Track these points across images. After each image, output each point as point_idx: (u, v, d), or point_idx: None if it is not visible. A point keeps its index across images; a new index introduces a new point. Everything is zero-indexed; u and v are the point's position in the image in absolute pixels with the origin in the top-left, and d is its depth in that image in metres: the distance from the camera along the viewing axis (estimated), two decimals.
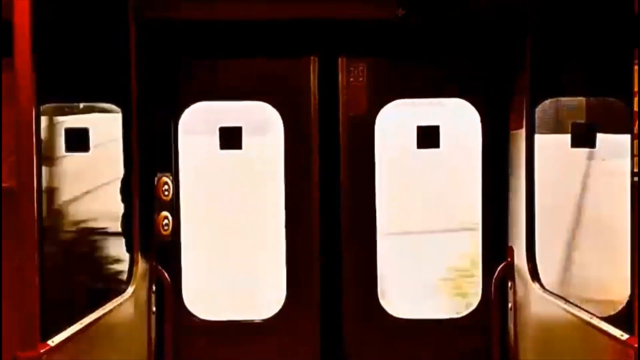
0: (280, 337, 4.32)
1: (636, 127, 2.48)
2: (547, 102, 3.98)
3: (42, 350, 2.50)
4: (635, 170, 2.49)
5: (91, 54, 3.51)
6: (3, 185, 2.70)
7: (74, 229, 4.17)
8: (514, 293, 4.17)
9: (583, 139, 3.58)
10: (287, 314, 4.35)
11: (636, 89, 2.46)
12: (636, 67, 2.44)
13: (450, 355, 4.34)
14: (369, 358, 4.33)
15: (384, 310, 4.39)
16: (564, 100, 4.05)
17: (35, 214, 2.46)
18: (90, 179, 4.25)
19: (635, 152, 2.49)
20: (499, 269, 4.19)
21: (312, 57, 4.28)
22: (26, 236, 2.38)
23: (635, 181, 2.49)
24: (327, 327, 4.34)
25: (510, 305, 4.22)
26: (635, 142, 2.49)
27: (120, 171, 3.94)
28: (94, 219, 4.25)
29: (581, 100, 3.88)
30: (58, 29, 3.04)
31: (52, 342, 2.65)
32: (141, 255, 3.98)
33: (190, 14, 3.91)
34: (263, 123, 4.43)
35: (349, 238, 4.33)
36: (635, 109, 2.49)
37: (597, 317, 3.02)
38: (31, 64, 2.39)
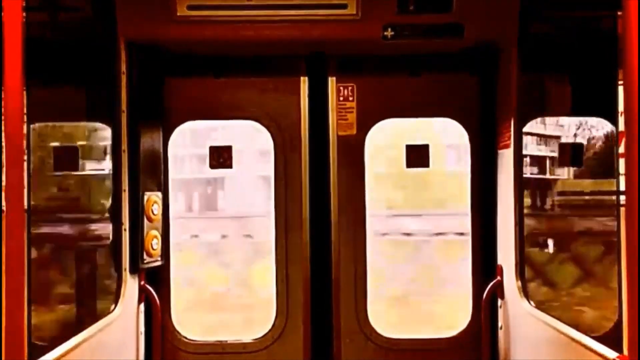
0: (270, 357, 4.29)
1: (621, 147, 2.52)
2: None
3: None
4: (622, 189, 2.52)
5: (81, 74, 3.52)
6: None
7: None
8: (504, 312, 4.17)
9: (569, 158, 3.63)
10: (277, 334, 4.32)
11: (621, 108, 2.50)
12: (620, 87, 2.48)
13: None
14: None
15: (374, 329, 4.37)
16: None
17: (24, 236, 2.43)
18: None
19: (622, 170, 2.52)
20: (488, 287, 4.20)
21: (302, 77, 4.31)
22: (14, 258, 2.35)
23: (622, 200, 2.51)
24: (316, 346, 4.31)
25: (500, 323, 4.22)
26: (621, 161, 2.52)
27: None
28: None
29: None
30: (49, 49, 3.05)
31: None
32: (130, 275, 3.95)
33: (179, 34, 3.93)
34: None
35: (339, 257, 4.32)
36: (621, 128, 2.53)
37: (587, 335, 3.03)
38: (21, 83, 2.39)
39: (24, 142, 2.46)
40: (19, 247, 2.38)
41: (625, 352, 2.50)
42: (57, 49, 3.29)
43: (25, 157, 2.47)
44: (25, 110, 2.46)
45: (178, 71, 4.25)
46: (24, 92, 2.43)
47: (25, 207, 2.45)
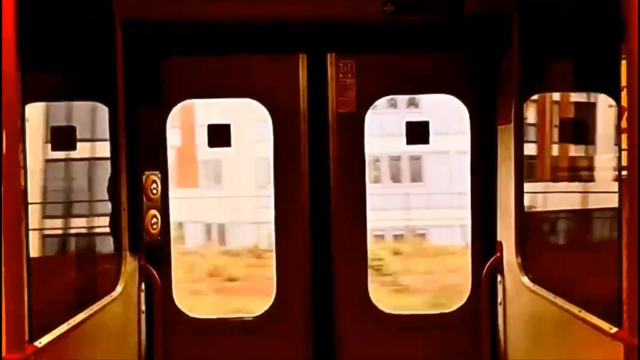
0: (271, 334, 4.32)
1: (623, 122, 2.50)
2: None
3: (29, 352, 2.47)
4: (623, 164, 2.50)
5: (77, 54, 3.48)
6: None
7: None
8: (504, 287, 4.19)
9: (570, 134, 3.60)
10: (278, 311, 4.34)
11: (623, 84, 2.48)
12: (623, 63, 2.45)
13: (440, 350, 4.36)
14: (360, 353, 4.34)
15: (375, 305, 4.39)
16: None
17: (22, 214, 2.43)
18: None
19: (623, 146, 2.50)
20: (488, 263, 4.21)
21: (300, 54, 4.26)
22: (12, 236, 2.35)
23: (624, 175, 2.50)
24: (318, 323, 4.33)
25: (499, 299, 4.24)
26: (623, 136, 2.50)
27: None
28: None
29: None
30: (43, 29, 3.00)
31: (40, 342, 2.63)
32: (130, 254, 3.95)
33: (176, 12, 3.88)
34: None
35: (339, 234, 4.33)
36: (623, 103, 2.50)
37: (586, 310, 3.04)
38: (16, 63, 2.36)
39: (20, 123, 2.44)
40: (17, 227, 2.38)
41: (624, 326, 2.51)
42: (51, 28, 3.24)
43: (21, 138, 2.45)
44: (20, 90, 2.43)
45: (175, 49, 4.21)
46: (19, 72, 2.40)
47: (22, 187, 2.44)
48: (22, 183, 2.47)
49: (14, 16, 2.33)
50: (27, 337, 2.47)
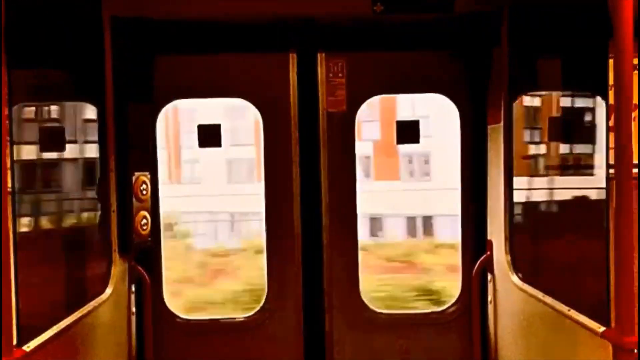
0: (262, 334, 4.31)
1: (611, 120, 2.51)
2: None
3: (17, 356, 2.45)
4: (611, 162, 2.51)
5: (65, 52, 3.45)
6: None
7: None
8: (494, 286, 4.20)
9: (559, 133, 3.62)
10: (269, 311, 4.33)
11: (611, 82, 2.49)
12: (611, 61, 2.46)
13: (431, 348, 4.37)
14: (352, 353, 4.34)
15: (366, 305, 4.39)
16: None
17: (8, 216, 2.40)
18: None
19: (611, 144, 2.51)
20: (478, 262, 4.22)
21: (291, 53, 4.26)
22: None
23: (611, 174, 2.51)
24: (309, 322, 4.33)
25: (490, 298, 4.25)
26: (611, 134, 2.52)
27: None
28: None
29: None
30: (31, 27, 2.98)
31: (28, 347, 2.60)
32: (120, 256, 3.93)
33: (165, 10, 3.86)
34: None
35: (330, 234, 4.33)
36: (611, 102, 2.51)
37: (575, 309, 3.05)
38: (2, 62, 2.34)
39: (6, 123, 2.41)
40: (5, 230, 2.35)
41: (612, 325, 2.52)
42: (39, 26, 3.21)
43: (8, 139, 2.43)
44: (6, 89, 2.40)
45: (165, 48, 4.18)
46: (5, 71, 2.38)
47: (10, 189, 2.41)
48: (9, 185, 2.45)
49: (1, 15, 2.30)
50: (15, 341, 2.45)
